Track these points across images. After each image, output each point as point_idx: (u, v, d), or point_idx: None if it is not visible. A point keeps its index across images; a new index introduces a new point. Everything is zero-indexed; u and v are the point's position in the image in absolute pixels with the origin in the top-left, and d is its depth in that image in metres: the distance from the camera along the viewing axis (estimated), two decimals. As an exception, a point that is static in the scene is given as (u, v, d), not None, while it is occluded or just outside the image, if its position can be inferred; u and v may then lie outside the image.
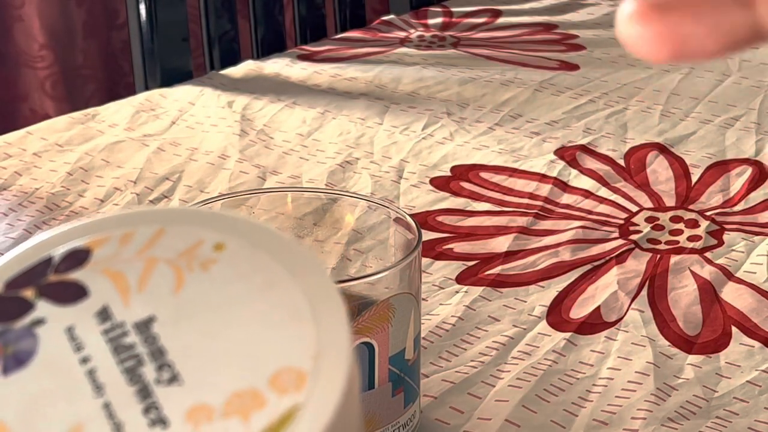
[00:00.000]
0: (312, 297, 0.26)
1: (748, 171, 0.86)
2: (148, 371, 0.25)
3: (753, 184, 0.84)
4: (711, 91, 1.03)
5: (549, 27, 1.22)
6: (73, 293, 0.27)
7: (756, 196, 0.83)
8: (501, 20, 1.24)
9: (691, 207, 0.81)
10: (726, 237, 0.77)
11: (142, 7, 1.09)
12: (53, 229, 0.28)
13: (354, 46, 1.16)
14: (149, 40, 1.10)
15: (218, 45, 1.16)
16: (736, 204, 0.82)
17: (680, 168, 0.87)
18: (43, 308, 0.27)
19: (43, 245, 0.28)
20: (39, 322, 0.26)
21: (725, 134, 0.93)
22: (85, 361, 0.26)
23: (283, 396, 0.24)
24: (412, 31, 1.21)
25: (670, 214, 0.80)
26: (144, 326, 0.26)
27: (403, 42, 1.17)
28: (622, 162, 0.88)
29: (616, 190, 0.84)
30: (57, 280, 0.27)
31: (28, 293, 0.27)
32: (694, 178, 0.86)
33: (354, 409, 0.25)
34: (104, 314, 0.26)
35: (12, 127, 1.00)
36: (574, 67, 1.09)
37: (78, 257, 0.28)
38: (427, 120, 0.96)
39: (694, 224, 0.79)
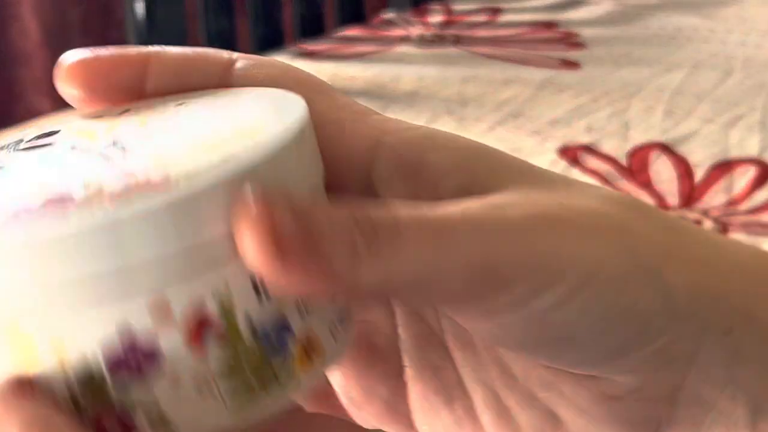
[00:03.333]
0: (276, 101, 0.27)
1: (752, 170, 0.86)
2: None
3: (757, 184, 0.84)
4: (714, 90, 1.02)
5: (550, 25, 1.21)
6: (42, 143, 0.28)
7: (760, 196, 0.82)
8: (502, 18, 1.23)
9: (694, 206, 0.80)
10: (730, 237, 0.76)
11: (140, 5, 1.08)
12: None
13: (354, 44, 1.15)
14: (147, 38, 1.09)
15: (217, 43, 1.15)
16: (739, 204, 0.81)
17: (683, 167, 0.87)
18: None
19: (13, 133, 0.30)
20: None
21: (729, 133, 0.93)
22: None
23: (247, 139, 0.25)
24: (412, 29, 1.20)
25: (673, 213, 0.79)
26: (111, 142, 0.27)
27: (404, 40, 1.16)
28: (624, 161, 0.88)
29: (618, 190, 0.83)
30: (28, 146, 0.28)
31: None
32: (698, 178, 0.85)
33: (309, 145, 0.26)
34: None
35: (8, 127, 0.99)
36: (575, 65, 1.09)
37: (48, 135, 0.28)
38: (427, 118, 0.96)
39: (697, 224, 0.78)
